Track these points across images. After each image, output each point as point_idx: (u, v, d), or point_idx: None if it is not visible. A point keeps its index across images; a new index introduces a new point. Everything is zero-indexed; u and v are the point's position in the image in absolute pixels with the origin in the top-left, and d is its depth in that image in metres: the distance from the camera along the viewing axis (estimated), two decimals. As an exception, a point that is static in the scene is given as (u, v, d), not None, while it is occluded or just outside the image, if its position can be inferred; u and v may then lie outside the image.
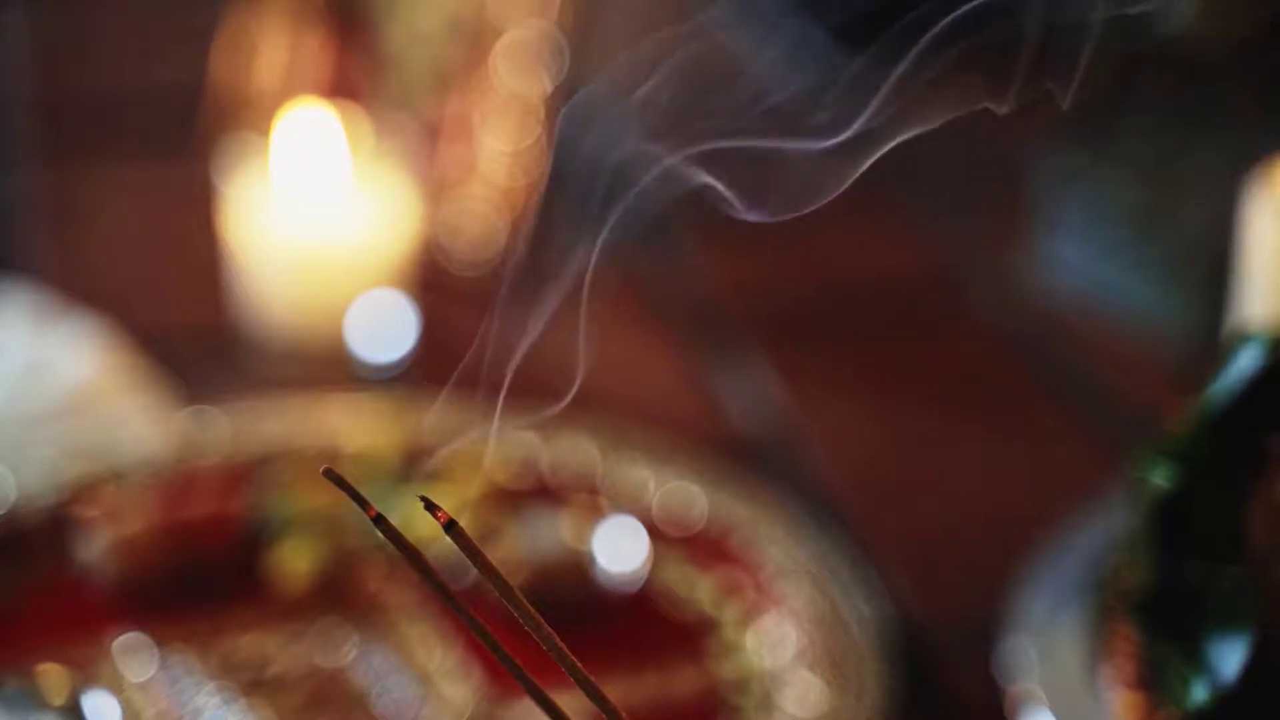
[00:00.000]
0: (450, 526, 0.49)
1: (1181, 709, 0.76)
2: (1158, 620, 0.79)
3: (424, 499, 0.49)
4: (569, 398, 0.54)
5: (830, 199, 0.54)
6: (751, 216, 0.54)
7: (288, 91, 1.27)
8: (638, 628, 0.93)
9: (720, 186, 0.53)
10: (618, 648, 0.91)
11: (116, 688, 0.87)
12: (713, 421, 1.12)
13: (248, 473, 0.99)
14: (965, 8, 0.53)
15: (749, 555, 0.96)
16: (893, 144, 0.53)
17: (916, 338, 1.23)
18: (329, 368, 1.13)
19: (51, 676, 0.83)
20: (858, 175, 0.54)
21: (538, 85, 1.24)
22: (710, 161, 0.53)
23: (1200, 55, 1.22)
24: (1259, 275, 0.90)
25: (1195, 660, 0.76)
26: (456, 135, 1.26)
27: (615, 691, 0.86)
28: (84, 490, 0.98)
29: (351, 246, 1.15)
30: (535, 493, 1.00)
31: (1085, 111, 1.25)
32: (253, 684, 0.89)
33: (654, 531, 0.97)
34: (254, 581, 0.94)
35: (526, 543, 0.93)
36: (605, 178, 0.53)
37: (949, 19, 0.53)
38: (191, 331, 1.17)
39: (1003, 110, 0.54)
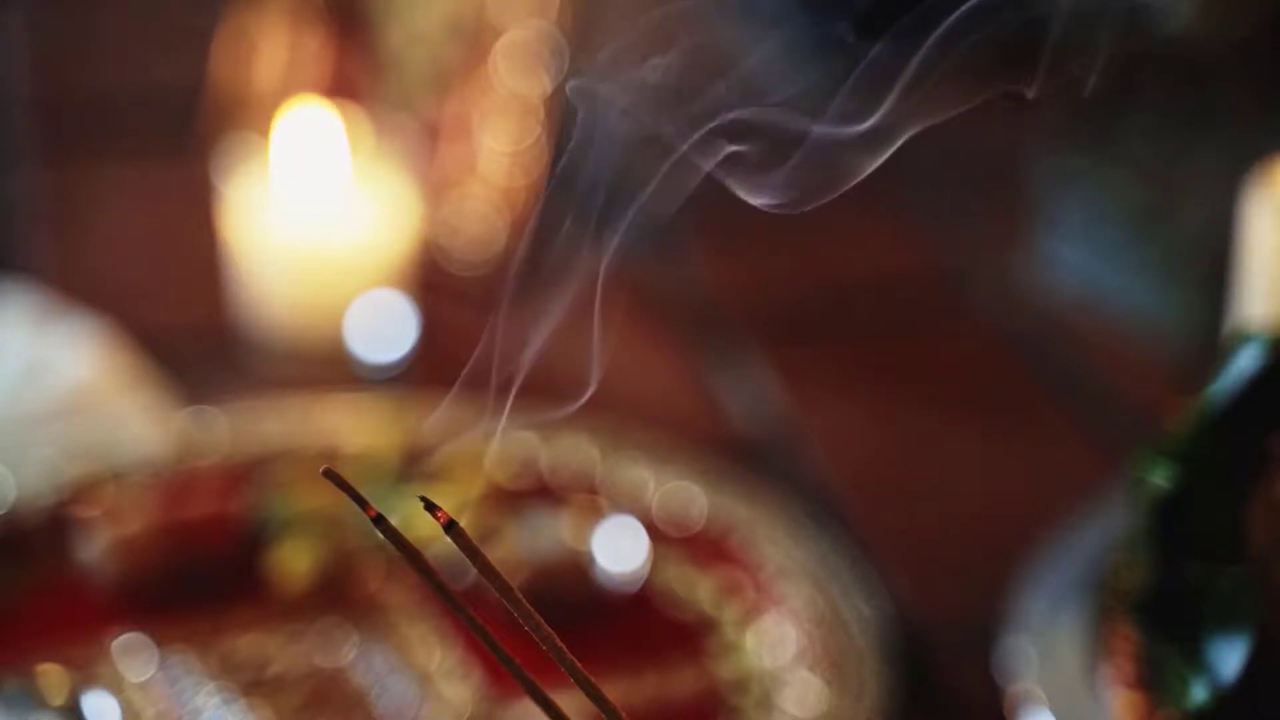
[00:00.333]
0: (450, 526, 0.49)
1: (1181, 709, 0.76)
2: (1158, 620, 0.79)
3: (424, 499, 0.49)
4: (583, 399, 0.54)
5: (844, 190, 0.54)
6: (764, 203, 0.54)
7: (288, 91, 1.27)
8: (637, 628, 0.93)
9: (734, 170, 0.53)
10: (618, 648, 0.91)
11: (116, 688, 0.87)
12: (713, 421, 1.12)
13: (248, 473, 0.99)
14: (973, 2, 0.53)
15: (749, 555, 0.96)
16: (909, 134, 0.53)
17: (916, 338, 1.23)
18: (329, 368, 1.13)
19: (51, 676, 0.83)
20: (873, 166, 0.54)
21: (538, 85, 1.24)
22: (728, 140, 0.53)
23: (1200, 55, 1.22)
24: (1259, 275, 0.90)
25: (1195, 660, 0.76)
26: (456, 135, 1.26)
27: (615, 691, 0.86)
28: (84, 490, 0.98)
29: (351, 246, 1.15)
30: (535, 493, 1.00)
31: (1085, 111, 1.25)
32: (253, 684, 0.89)
33: (654, 531, 0.97)
34: (254, 581, 0.94)
35: (526, 543, 0.93)
36: (615, 170, 0.53)
37: (959, 12, 0.53)
38: (191, 331, 1.17)
39: (1030, 94, 0.54)
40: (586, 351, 0.54)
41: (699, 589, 0.95)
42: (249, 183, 1.15)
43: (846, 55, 0.54)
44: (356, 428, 1.04)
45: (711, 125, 0.52)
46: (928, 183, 1.38)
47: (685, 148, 0.52)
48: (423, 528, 0.56)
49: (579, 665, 0.49)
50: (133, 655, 0.89)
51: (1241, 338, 0.80)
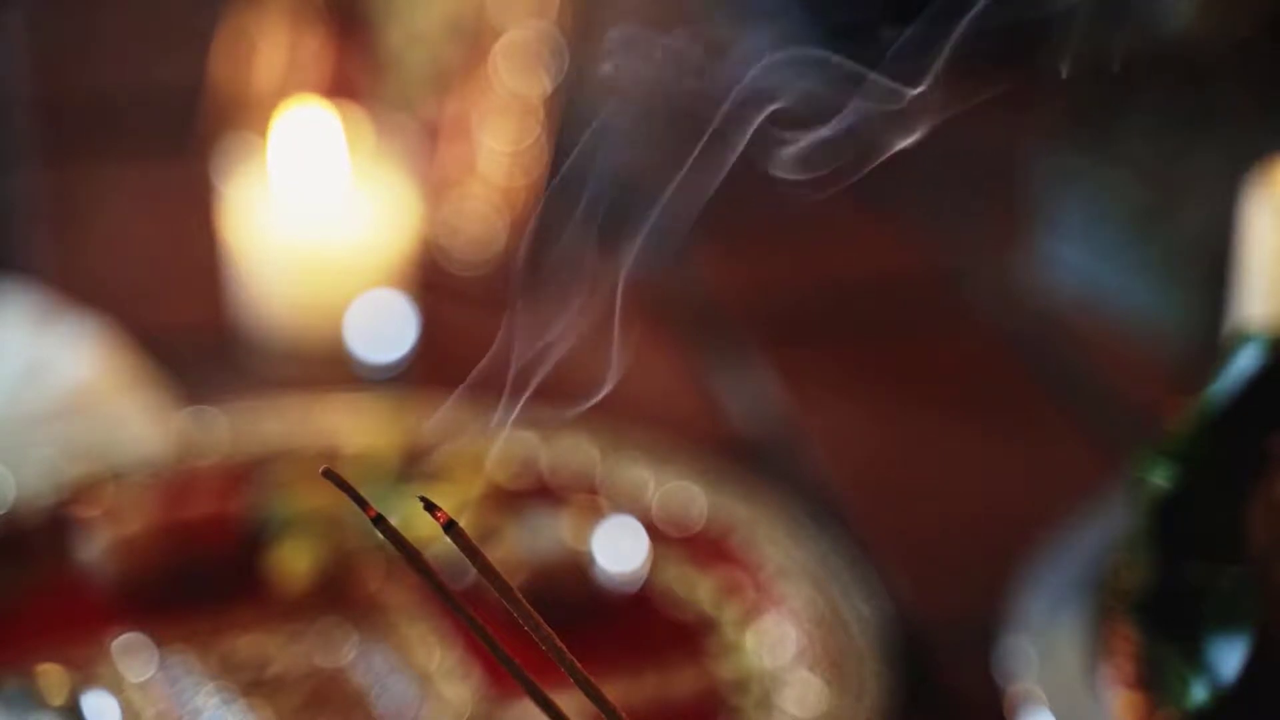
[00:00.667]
0: (450, 526, 0.49)
1: (1181, 709, 0.76)
2: (1158, 620, 0.79)
3: (424, 499, 0.49)
4: (598, 397, 0.54)
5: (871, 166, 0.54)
6: (793, 177, 0.54)
7: (287, 91, 1.27)
8: (637, 628, 0.93)
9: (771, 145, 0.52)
10: (617, 648, 0.91)
11: (116, 688, 0.87)
12: (713, 421, 1.12)
13: (248, 473, 0.99)
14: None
15: (749, 555, 0.96)
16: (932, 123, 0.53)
17: (916, 338, 1.23)
18: (329, 368, 1.13)
19: (51, 676, 0.83)
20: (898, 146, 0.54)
21: (537, 85, 1.24)
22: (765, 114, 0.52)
23: (1200, 55, 1.22)
24: (1259, 275, 0.90)
25: (1195, 660, 0.76)
26: (456, 135, 1.26)
27: (615, 691, 0.86)
28: (84, 490, 0.98)
29: (351, 246, 1.15)
30: (535, 493, 1.00)
31: (1085, 111, 1.25)
32: (252, 684, 0.89)
33: (654, 531, 0.97)
34: (254, 581, 0.94)
35: (526, 543, 0.93)
36: (631, 169, 0.53)
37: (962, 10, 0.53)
38: (191, 331, 1.17)
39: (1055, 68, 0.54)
40: (591, 352, 0.54)
41: (699, 589, 0.95)
42: (249, 183, 1.15)
43: (842, 58, 0.54)
44: (356, 428, 1.04)
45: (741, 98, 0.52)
46: (928, 183, 1.38)
47: (718, 123, 0.52)
48: (423, 528, 0.56)
49: (579, 665, 0.49)
50: (133, 655, 0.89)
51: (1241, 338, 0.80)
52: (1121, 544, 0.83)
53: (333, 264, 1.15)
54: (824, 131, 0.54)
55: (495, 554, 0.91)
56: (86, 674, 0.87)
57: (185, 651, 0.90)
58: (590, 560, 0.93)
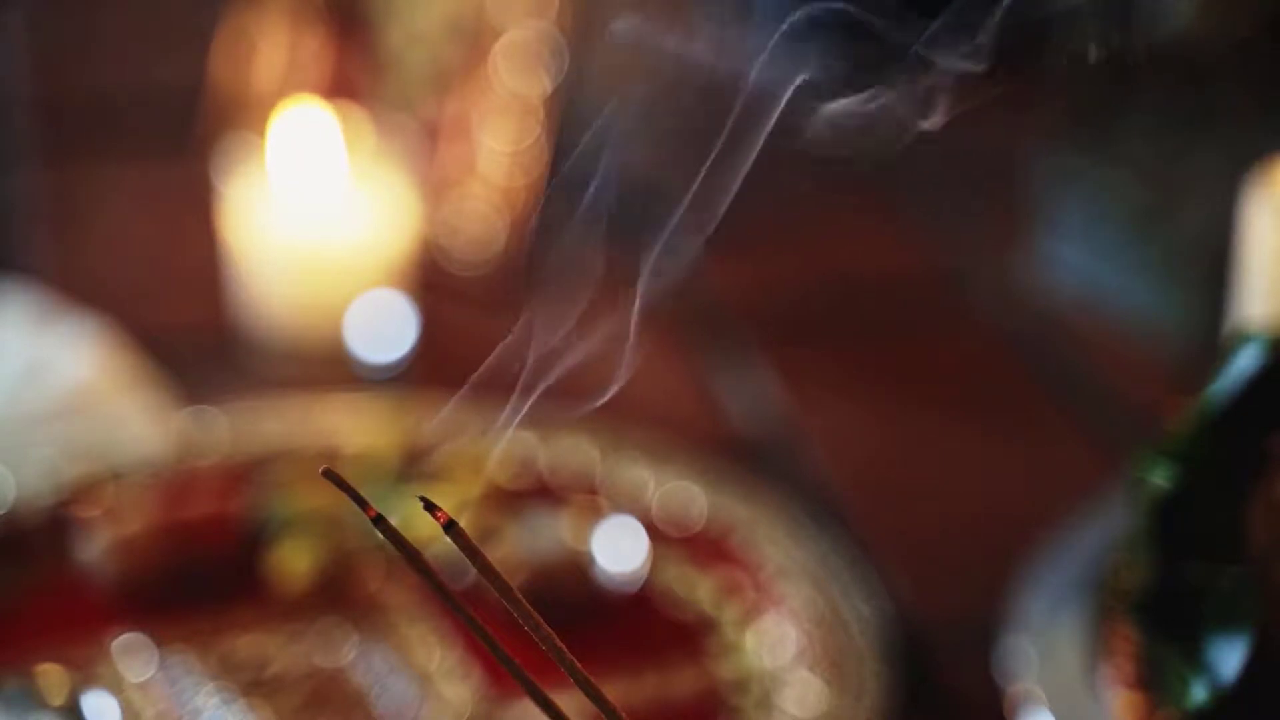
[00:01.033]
0: (450, 526, 0.49)
1: (1181, 709, 0.76)
2: (1158, 620, 0.79)
3: (423, 499, 0.49)
4: (605, 398, 0.54)
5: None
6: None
7: (287, 91, 1.27)
8: (637, 628, 0.93)
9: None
10: (617, 648, 0.91)
11: (116, 688, 0.87)
12: (713, 421, 1.12)
13: (248, 473, 0.99)
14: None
15: (749, 555, 0.96)
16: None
17: (916, 338, 1.23)
18: (329, 368, 1.13)
19: (51, 676, 0.83)
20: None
21: (537, 85, 1.24)
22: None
23: (1200, 55, 1.22)
24: (1259, 275, 0.90)
25: (1195, 660, 0.76)
26: (456, 135, 1.26)
27: (615, 691, 0.86)
28: (84, 490, 0.98)
29: (351, 246, 1.15)
30: (535, 493, 1.00)
31: (1085, 111, 1.25)
32: (252, 684, 0.88)
33: (653, 531, 0.97)
34: (254, 581, 0.94)
35: (526, 543, 0.93)
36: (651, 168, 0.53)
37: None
38: (191, 331, 1.17)
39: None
40: (599, 352, 0.54)
41: (699, 589, 0.95)
42: (249, 183, 1.15)
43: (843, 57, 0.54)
44: (356, 428, 1.04)
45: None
46: (928, 183, 1.38)
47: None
48: (423, 528, 0.56)
49: (579, 665, 0.49)
50: (133, 655, 0.89)
51: (1241, 338, 0.80)
52: (1121, 544, 0.83)
53: (333, 264, 1.15)
54: (857, 102, 0.54)
55: (495, 554, 0.91)
56: (86, 674, 0.87)
57: (185, 651, 0.90)
58: (590, 560, 0.93)
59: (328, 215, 1.15)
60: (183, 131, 1.33)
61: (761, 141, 0.53)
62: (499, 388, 0.54)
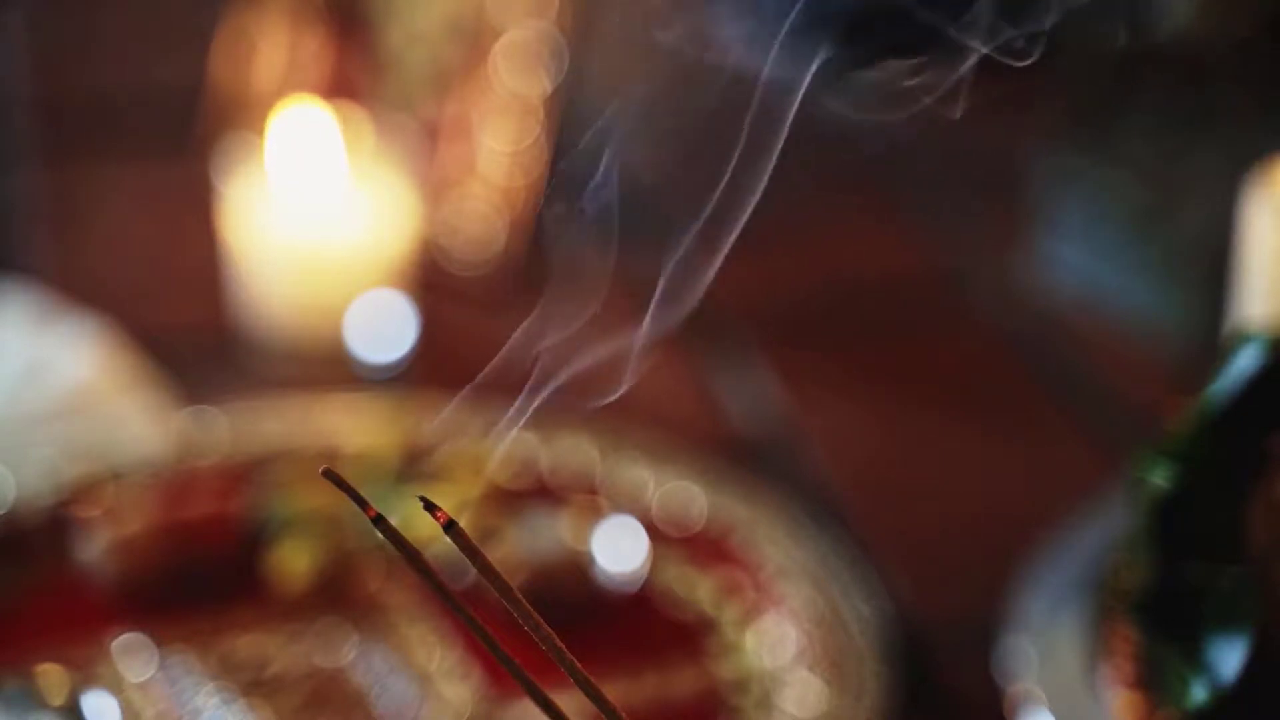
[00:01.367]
0: (450, 526, 0.49)
1: (1181, 709, 0.76)
2: (1158, 620, 0.79)
3: (424, 499, 0.49)
4: (619, 392, 0.54)
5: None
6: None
7: (287, 91, 1.27)
8: (637, 628, 0.93)
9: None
10: (617, 648, 0.91)
11: (116, 688, 0.87)
12: (713, 421, 1.12)
13: (248, 473, 0.99)
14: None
15: (748, 555, 0.96)
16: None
17: (916, 338, 1.23)
18: (329, 368, 1.13)
19: (51, 676, 0.83)
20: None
21: (537, 85, 1.24)
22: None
23: (1200, 55, 1.22)
24: (1259, 275, 0.90)
25: (1195, 660, 0.76)
26: (456, 135, 1.26)
27: (615, 691, 0.86)
28: (84, 490, 0.98)
29: (351, 246, 1.15)
30: (534, 493, 1.00)
31: (1085, 111, 1.25)
32: (252, 684, 0.88)
33: (653, 531, 0.97)
34: (254, 581, 0.94)
35: (526, 543, 0.93)
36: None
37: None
38: (191, 331, 1.17)
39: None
40: (605, 357, 0.54)
41: (699, 589, 0.95)
42: (249, 183, 1.15)
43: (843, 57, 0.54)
44: (356, 428, 1.04)
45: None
46: (928, 183, 1.38)
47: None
48: (423, 528, 0.56)
49: (579, 665, 0.49)
50: (133, 655, 0.89)
51: (1241, 338, 0.80)
52: (1121, 544, 0.83)
53: (333, 264, 1.15)
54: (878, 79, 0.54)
55: (495, 554, 0.91)
56: (86, 674, 0.87)
57: (185, 651, 0.90)
58: (590, 560, 0.93)
59: (328, 215, 1.15)
60: (183, 131, 1.33)
61: (780, 145, 0.53)
62: (501, 388, 0.54)
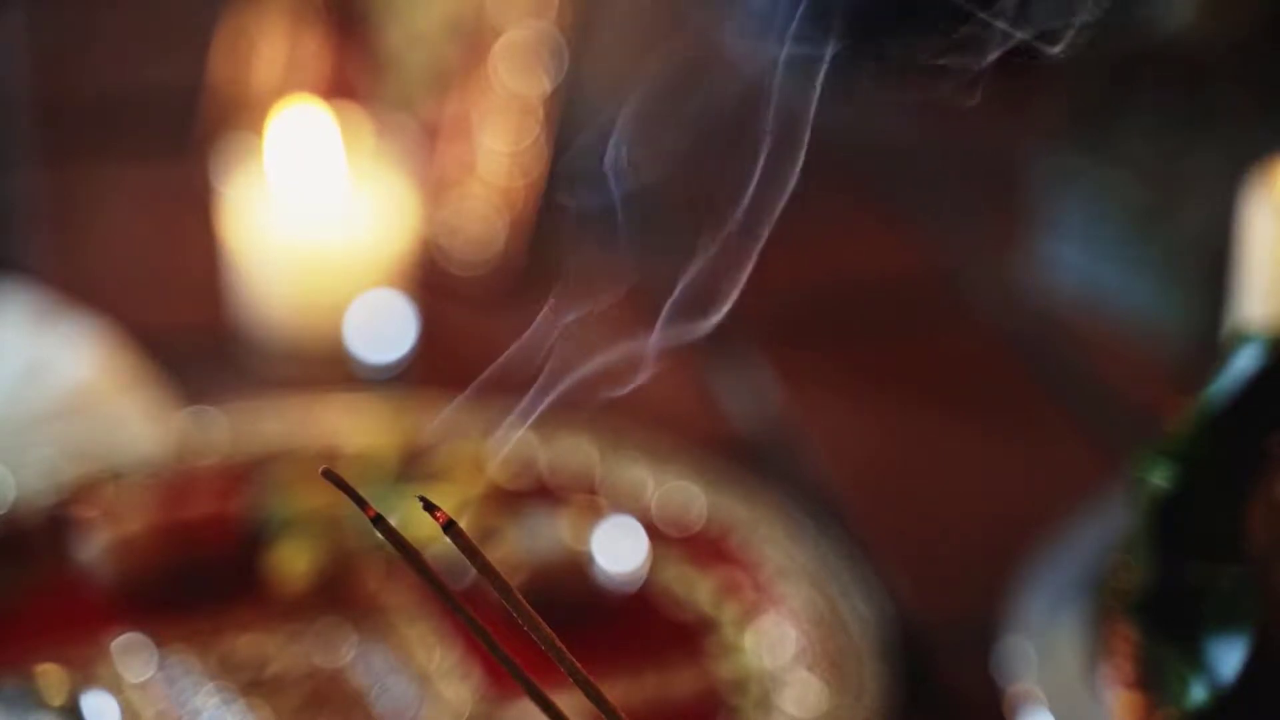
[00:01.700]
0: (449, 526, 0.49)
1: (1181, 709, 0.76)
2: (1157, 620, 0.79)
3: (423, 499, 0.49)
4: (629, 388, 0.54)
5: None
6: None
7: (287, 91, 1.27)
8: (637, 628, 0.93)
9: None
10: (617, 648, 0.91)
11: (116, 688, 0.87)
12: (712, 421, 1.12)
13: (247, 473, 0.99)
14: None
15: (748, 555, 0.96)
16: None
17: (916, 338, 1.23)
18: (328, 368, 1.13)
19: (51, 676, 0.83)
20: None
21: (537, 85, 1.24)
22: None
23: (1200, 55, 1.22)
24: (1258, 275, 0.90)
25: (1195, 660, 0.76)
26: (456, 135, 1.26)
27: (615, 691, 0.86)
28: (84, 490, 0.98)
29: (350, 246, 1.15)
30: (534, 493, 1.00)
31: (1085, 111, 1.25)
32: (252, 684, 0.89)
33: (653, 532, 0.97)
34: (253, 581, 0.94)
35: (525, 543, 0.93)
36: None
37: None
38: (191, 331, 1.17)
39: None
40: (616, 362, 0.54)
41: (698, 589, 0.95)
42: (248, 183, 1.15)
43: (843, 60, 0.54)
44: (356, 428, 1.04)
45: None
46: (927, 183, 1.38)
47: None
48: (423, 528, 0.56)
49: (579, 665, 0.49)
50: (132, 655, 0.89)
51: (1241, 338, 0.80)
52: (1121, 544, 0.83)
53: (333, 264, 1.15)
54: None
55: (495, 554, 0.91)
56: (86, 674, 0.87)
57: (185, 651, 0.90)
58: (590, 560, 0.93)
59: (328, 215, 1.15)
60: (183, 131, 1.33)
61: (803, 151, 0.53)
62: (502, 389, 0.54)
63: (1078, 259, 1.25)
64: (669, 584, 0.96)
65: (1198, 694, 0.76)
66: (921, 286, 1.29)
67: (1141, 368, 1.18)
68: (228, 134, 1.28)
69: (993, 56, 0.54)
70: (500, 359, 0.53)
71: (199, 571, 0.93)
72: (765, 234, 0.53)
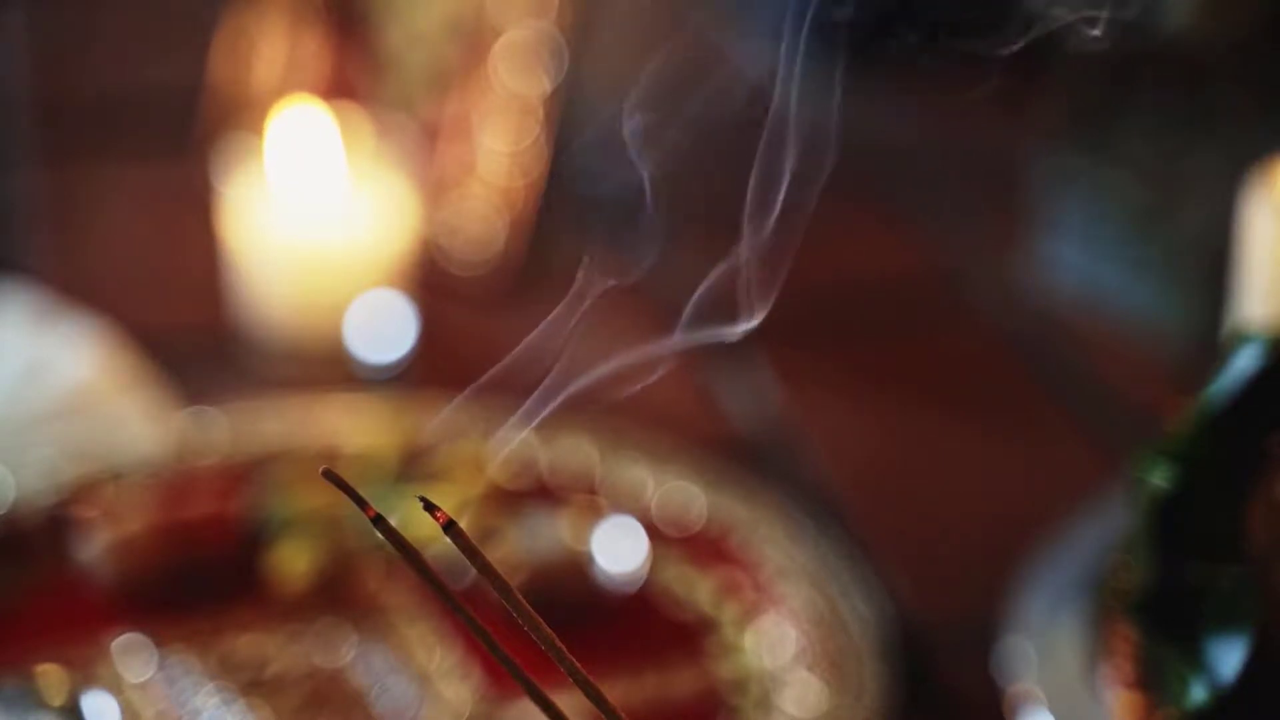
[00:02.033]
0: (449, 527, 0.49)
1: (1181, 709, 0.76)
2: (1157, 620, 0.79)
3: (423, 499, 0.49)
4: (637, 388, 0.54)
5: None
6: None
7: (287, 91, 1.27)
8: (637, 628, 0.93)
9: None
10: (617, 648, 0.91)
11: (116, 688, 0.87)
12: (712, 421, 1.12)
13: (247, 473, 0.99)
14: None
15: (748, 555, 0.96)
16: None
17: (916, 338, 1.23)
18: (328, 368, 1.13)
19: (51, 676, 0.83)
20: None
21: (537, 85, 1.24)
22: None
23: (1200, 55, 1.22)
24: (1259, 275, 0.90)
25: (1195, 660, 0.76)
26: (456, 135, 1.26)
27: (615, 691, 0.86)
28: (84, 490, 0.98)
29: (350, 246, 1.15)
30: (534, 493, 1.00)
31: (1085, 111, 1.25)
32: (252, 684, 0.89)
33: (653, 532, 0.97)
34: (253, 581, 0.94)
35: (525, 543, 0.93)
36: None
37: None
38: (191, 331, 1.17)
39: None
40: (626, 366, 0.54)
41: (698, 589, 0.95)
42: (248, 183, 1.15)
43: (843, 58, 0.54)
44: (356, 428, 1.04)
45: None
46: (927, 183, 1.38)
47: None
48: (423, 528, 0.56)
49: (578, 665, 0.49)
50: (132, 655, 0.89)
51: (1241, 338, 0.80)
52: (1121, 544, 0.83)
53: (333, 264, 1.15)
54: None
55: (495, 554, 0.91)
56: (86, 674, 0.87)
57: (185, 651, 0.90)
58: (590, 560, 0.93)
59: (327, 215, 1.15)
60: (183, 131, 1.33)
61: (830, 164, 0.53)
62: (503, 389, 0.54)
63: (1078, 259, 1.25)
64: (669, 584, 0.96)
65: (1198, 694, 0.76)
66: (921, 286, 1.29)
67: (1141, 368, 1.18)
68: (228, 134, 1.28)
69: (1011, 45, 0.54)
70: (506, 358, 0.53)
71: (199, 571, 0.93)
72: (798, 237, 0.53)
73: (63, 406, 1.04)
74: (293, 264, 1.14)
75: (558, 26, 1.24)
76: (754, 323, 0.53)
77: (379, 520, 0.49)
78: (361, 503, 0.49)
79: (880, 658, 0.89)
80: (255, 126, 1.24)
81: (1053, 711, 0.85)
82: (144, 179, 1.34)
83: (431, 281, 1.20)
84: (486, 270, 1.23)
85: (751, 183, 0.53)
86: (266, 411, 1.05)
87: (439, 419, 1.01)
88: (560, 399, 0.52)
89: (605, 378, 0.53)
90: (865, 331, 1.23)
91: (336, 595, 0.94)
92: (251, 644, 0.91)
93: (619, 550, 0.94)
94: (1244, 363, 0.79)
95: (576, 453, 1.03)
